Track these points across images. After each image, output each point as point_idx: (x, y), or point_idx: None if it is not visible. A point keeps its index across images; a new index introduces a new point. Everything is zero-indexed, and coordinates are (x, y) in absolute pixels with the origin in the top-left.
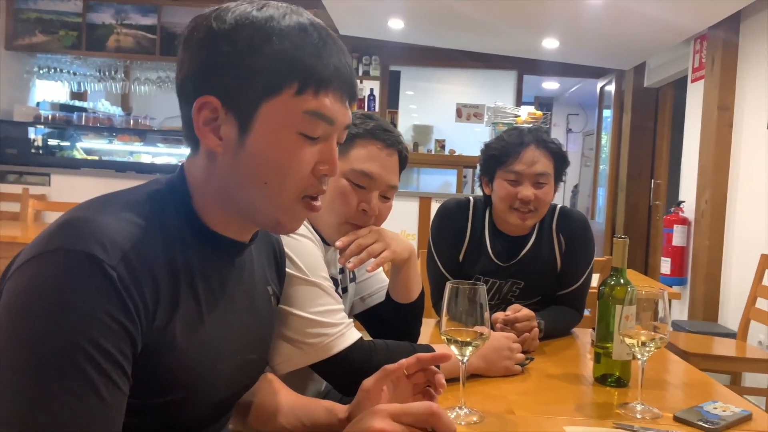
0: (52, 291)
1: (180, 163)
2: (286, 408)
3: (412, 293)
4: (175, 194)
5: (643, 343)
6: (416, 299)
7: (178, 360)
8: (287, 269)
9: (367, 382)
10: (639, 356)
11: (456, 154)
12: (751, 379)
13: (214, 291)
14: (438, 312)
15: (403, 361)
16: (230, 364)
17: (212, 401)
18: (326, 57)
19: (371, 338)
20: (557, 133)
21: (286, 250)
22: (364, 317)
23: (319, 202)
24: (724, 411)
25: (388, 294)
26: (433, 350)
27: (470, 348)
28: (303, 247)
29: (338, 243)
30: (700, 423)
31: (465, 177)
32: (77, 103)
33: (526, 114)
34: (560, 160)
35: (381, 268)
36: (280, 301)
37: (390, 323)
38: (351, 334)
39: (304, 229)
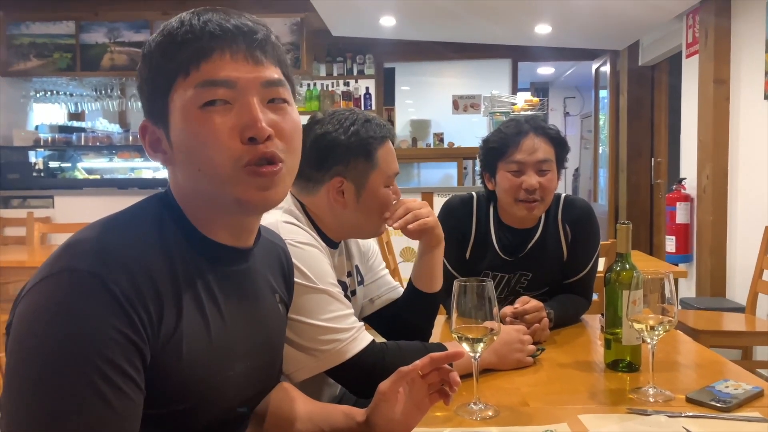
0: (58, 311)
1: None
2: (304, 415)
3: (437, 281)
4: (169, 208)
5: (652, 327)
6: (438, 291)
7: (186, 369)
8: (295, 279)
9: (383, 385)
10: (648, 340)
11: (455, 146)
12: (762, 352)
13: (217, 300)
14: (447, 309)
15: (417, 362)
16: (239, 371)
17: (223, 408)
18: (198, 32)
19: (384, 339)
20: (555, 118)
21: (293, 260)
22: (374, 319)
23: (277, 166)
24: (736, 389)
25: (406, 290)
26: (445, 348)
27: (482, 344)
28: (308, 255)
29: (387, 215)
30: (713, 402)
31: (465, 168)
32: (75, 123)
33: (522, 101)
34: (560, 146)
35: (387, 271)
36: (290, 311)
37: (404, 321)
38: (363, 338)
39: (309, 237)
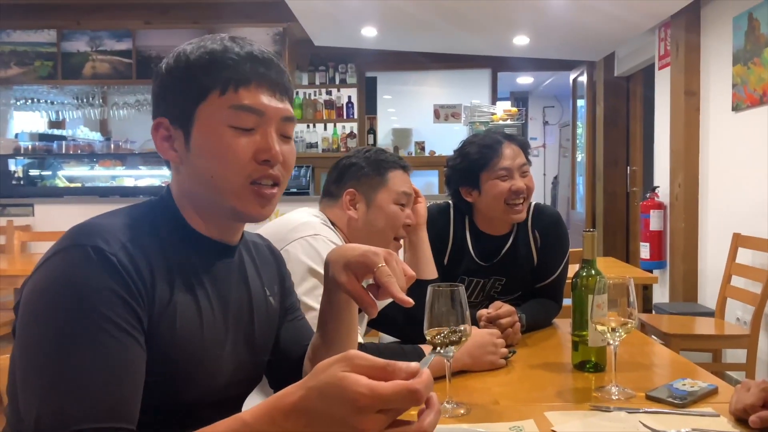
0: (69, 277)
1: (164, 184)
2: (306, 360)
3: (426, 268)
4: (164, 205)
5: (613, 329)
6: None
7: (179, 340)
8: (310, 264)
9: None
10: (611, 341)
11: (436, 154)
12: (731, 355)
13: (205, 286)
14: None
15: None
16: (228, 353)
17: (212, 388)
18: (244, 62)
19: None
20: (534, 126)
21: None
22: (376, 320)
23: (274, 190)
24: (692, 387)
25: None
26: (421, 351)
27: (453, 347)
28: (326, 247)
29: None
30: (670, 399)
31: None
32: (56, 131)
33: (501, 111)
34: (527, 150)
35: None
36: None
37: (408, 315)
38: None
39: (335, 236)
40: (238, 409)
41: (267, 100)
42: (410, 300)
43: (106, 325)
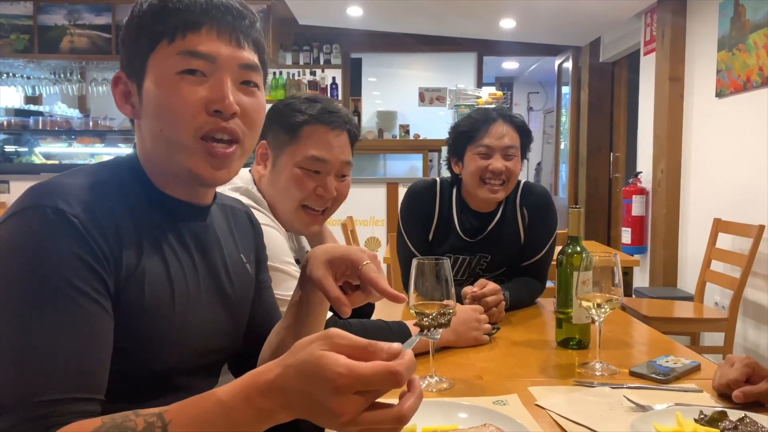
0: (26, 241)
1: None
2: (267, 346)
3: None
4: (130, 164)
5: (599, 305)
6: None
7: (149, 306)
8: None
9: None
10: (596, 318)
11: (421, 138)
12: (709, 338)
13: (175, 250)
14: (406, 288)
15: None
16: (201, 319)
17: (186, 355)
18: (191, 4)
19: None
20: (518, 112)
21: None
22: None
23: (231, 148)
24: (675, 363)
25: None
26: (407, 327)
27: (440, 329)
28: (266, 234)
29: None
30: (653, 375)
31: (431, 161)
32: (33, 107)
33: (487, 95)
34: (525, 134)
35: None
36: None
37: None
38: None
39: (267, 218)
40: (216, 376)
41: (218, 44)
42: (402, 296)
43: (69, 291)
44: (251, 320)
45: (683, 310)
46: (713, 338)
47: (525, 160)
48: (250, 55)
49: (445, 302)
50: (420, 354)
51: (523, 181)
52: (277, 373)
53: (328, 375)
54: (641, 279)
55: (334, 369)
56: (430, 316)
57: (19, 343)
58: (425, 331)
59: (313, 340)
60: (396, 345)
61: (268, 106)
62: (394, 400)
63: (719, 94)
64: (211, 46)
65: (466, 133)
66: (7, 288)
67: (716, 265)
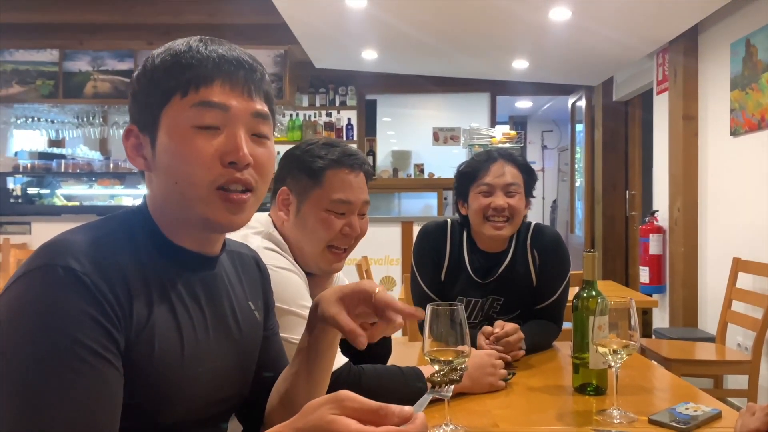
0: (37, 302)
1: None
2: (275, 393)
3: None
4: (140, 216)
5: (615, 351)
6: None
7: (158, 362)
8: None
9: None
10: (612, 364)
11: (435, 177)
12: (732, 381)
13: (184, 301)
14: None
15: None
16: (208, 369)
17: (192, 408)
18: (204, 59)
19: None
20: (533, 150)
21: (272, 284)
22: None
23: (245, 195)
24: (695, 411)
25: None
26: (420, 372)
27: (452, 386)
28: (285, 278)
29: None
30: (673, 424)
31: (446, 199)
32: (56, 150)
33: (500, 134)
34: (527, 173)
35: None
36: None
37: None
38: (338, 359)
39: (286, 262)
40: (224, 423)
41: (233, 96)
42: (420, 311)
43: (79, 351)
44: (259, 367)
45: (705, 351)
46: (737, 380)
47: (531, 200)
48: (261, 106)
49: (460, 348)
50: (435, 401)
51: (534, 223)
52: None
53: None
54: (661, 319)
55: None
56: (441, 373)
57: (28, 406)
58: (436, 388)
59: (323, 403)
60: (407, 409)
61: (285, 147)
62: None
63: (734, 132)
64: (224, 98)
65: (469, 174)
66: (18, 347)
67: (737, 305)
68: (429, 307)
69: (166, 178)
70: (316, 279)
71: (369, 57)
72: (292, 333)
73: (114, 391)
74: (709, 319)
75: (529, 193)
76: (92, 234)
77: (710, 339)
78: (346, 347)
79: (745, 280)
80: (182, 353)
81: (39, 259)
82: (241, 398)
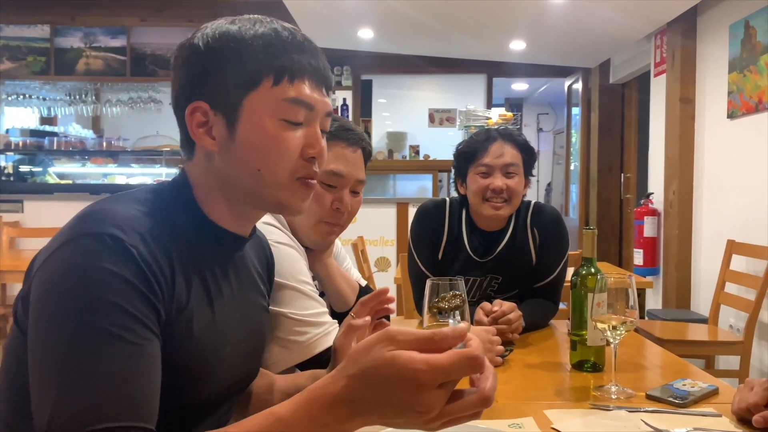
0: (82, 271)
1: (156, 182)
2: (279, 393)
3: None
4: (178, 191)
5: (614, 327)
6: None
7: (194, 344)
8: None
9: (337, 341)
10: (611, 340)
11: (431, 158)
12: (724, 361)
13: (218, 280)
14: (419, 310)
15: (357, 313)
16: (231, 351)
17: (220, 385)
18: (298, 51)
19: None
20: (528, 133)
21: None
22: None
23: (314, 181)
24: (692, 387)
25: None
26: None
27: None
28: (284, 253)
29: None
30: (671, 399)
31: (440, 181)
32: (47, 128)
33: (496, 116)
34: (527, 152)
35: (358, 275)
36: (269, 304)
37: None
38: (335, 334)
39: (285, 237)
40: (232, 407)
41: (317, 93)
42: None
43: (126, 320)
44: None
45: (697, 332)
46: (728, 361)
47: (530, 178)
48: (330, 103)
49: (460, 324)
50: None
51: (533, 202)
52: (343, 384)
53: (407, 374)
54: (654, 301)
55: (412, 366)
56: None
57: (73, 372)
58: (444, 315)
59: (374, 343)
60: (460, 327)
61: None
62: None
63: (731, 115)
64: (312, 95)
65: (467, 153)
66: (63, 317)
67: (730, 287)
68: (429, 282)
69: (246, 163)
70: (315, 253)
71: (365, 36)
72: (290, 307)
73: (157, 362)
74: (701, 301)
75: (528, 173)
76: (134, 207)
77: (703, 320)
78: None
79: (738, 263)
80: (215, 334)
81: (81, 227)
82: (254, 377)
